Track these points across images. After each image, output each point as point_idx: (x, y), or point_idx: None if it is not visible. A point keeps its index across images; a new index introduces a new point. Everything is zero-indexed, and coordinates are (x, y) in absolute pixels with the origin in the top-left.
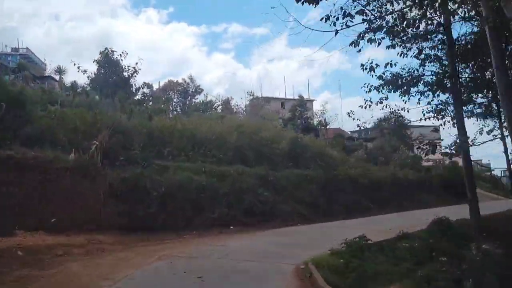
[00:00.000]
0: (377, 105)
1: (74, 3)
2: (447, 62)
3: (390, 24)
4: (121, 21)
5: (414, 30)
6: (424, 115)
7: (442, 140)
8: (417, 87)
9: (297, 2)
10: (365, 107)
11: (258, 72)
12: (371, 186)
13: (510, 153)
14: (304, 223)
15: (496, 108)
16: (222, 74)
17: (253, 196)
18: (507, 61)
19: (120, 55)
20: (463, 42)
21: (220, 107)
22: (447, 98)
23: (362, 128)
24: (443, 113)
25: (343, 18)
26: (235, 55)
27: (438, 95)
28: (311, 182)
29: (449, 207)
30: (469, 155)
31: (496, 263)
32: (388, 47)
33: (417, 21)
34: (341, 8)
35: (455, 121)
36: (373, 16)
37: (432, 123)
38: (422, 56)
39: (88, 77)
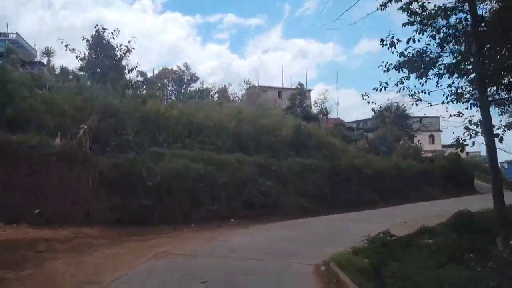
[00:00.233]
0: (397, 85)
1: None
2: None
3: None
4: (115, 10)
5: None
6: (447, 98)
7: (442, 131)
8: (435, 69)
9: None
10: (380, 90)
11: (253, 63)
12: (375, 176)
13: None
14: (308, 215)
15: None
16: (216, 65)
17: (254, 187)
18: None
19: (112, 33)
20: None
21: (216, 95)
22: (467, 81)
23: (376, 111)
24: (467, 97)
25: None
26: (230, 45)
27: (458, 77)
28: (315, 172)
29: (453, 199)
30: (494, 143)
31: None
32: (404, 24)
33: None
34: None
35: (478, 106)
36: None
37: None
38: (441, 35)
39: (77, 56)
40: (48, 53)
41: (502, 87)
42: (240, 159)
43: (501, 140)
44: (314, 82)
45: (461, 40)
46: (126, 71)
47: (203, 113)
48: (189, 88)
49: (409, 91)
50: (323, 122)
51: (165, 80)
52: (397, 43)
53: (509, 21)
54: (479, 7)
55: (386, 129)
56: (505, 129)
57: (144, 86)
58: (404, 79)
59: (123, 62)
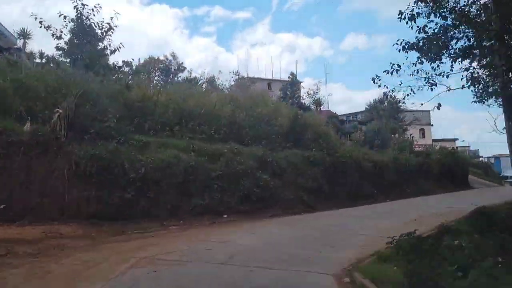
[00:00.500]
0: (415, 65)
1: None
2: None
3: None
4: (100, 1)
5: None
6: (468, 81)
7: (432, 125)
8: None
9: None
10: (391, 73)
11: (240, 56)
12: (374, 170)
13: None
14: (307, 210)
15: None
16: (203, 58)
17: (251, 180)
18: None
19: (92, 9)
20: None
21: (204, 85)
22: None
23: (389, 96)
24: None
25: None
26: (217, 38)
27: (476, 61)
28: (314, 164)
29: (450, 193)
30: None
31: None
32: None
33: None
34: None
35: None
36: None
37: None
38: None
39: (53, 35)
40: (24, 35)
41: None
42: (235, 150)
43: None
44: (302, 76)
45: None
46: (108, 51)
47: (193, 100)
48: (176, 78)
49: (426, 73)
50: (316, 114)
51: (152, 70)
52: (417, 17)
53: None
54: None
55: (381, 122)
56: None
57: (130, 77)
58: (423, 59)
59: (105, 42)
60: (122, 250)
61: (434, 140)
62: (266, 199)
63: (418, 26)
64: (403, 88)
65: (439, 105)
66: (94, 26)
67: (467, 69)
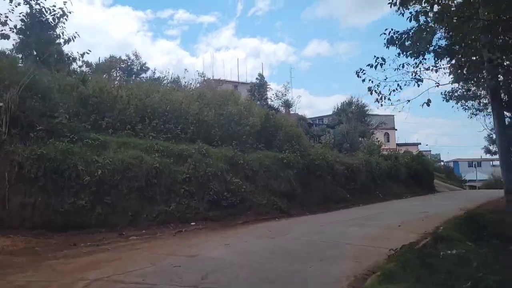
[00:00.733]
0: (401, 56)
1: None
2: None
3: None
4: (59, 2)
5: None
6: (461, 74)
7: (396, 129)
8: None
9: None
10: (375, 67)
11: (206, 59)
12: (346, 174)
13: None
14: (281, 216)
15: None
16: (167, 61)
17: (221, 184)
18: None
19: None
20: None
21: (169, 85)
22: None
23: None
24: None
25: None
26: (181, 42)
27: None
28: (288, 167)
29: (419, 197)
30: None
31: None
32: None
33: None
34: None
35: (488, 89)
36: None
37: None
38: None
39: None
40: None
41: None
42: (203, 151)
43: None
44: (267, 81)
45: None
46: (62, 41)
47: (158, 96)
48: (139, 78)
49: (413, 67)
50: (286, 116)
51: (113, 70)
52: (410, 5)
53: None
54: None
55: (349, 125)
56: None
57: (90, 77)
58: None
59: (58, 31)
60: (69, 269)
61: (398, 144)
62: (237, 204)
63: (410, 13)
64: (389, 83)
65: (429, 101)
66: (45, 11)
67: (449, 62)
